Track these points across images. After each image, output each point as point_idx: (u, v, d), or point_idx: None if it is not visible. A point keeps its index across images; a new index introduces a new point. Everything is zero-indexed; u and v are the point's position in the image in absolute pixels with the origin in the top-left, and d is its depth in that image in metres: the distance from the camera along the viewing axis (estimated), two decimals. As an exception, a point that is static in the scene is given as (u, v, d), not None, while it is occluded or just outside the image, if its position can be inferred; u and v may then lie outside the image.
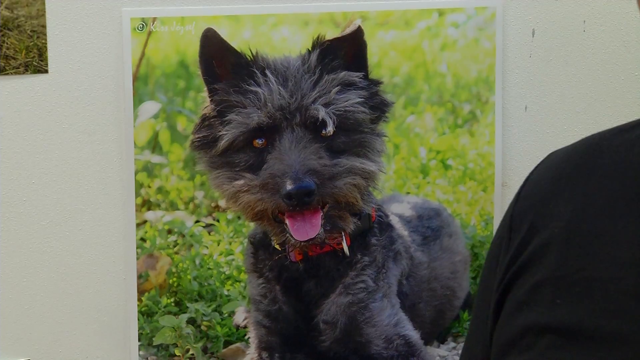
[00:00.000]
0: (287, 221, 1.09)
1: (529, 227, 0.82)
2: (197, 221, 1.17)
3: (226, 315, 1.18)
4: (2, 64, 1.09)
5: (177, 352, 1.17)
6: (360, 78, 1.12)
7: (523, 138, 1.23)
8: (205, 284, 1.18)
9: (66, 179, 1.12)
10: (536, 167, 0.86)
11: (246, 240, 1.18)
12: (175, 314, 1.16)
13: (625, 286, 0.74)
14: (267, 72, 1.09)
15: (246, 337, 1.19)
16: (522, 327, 0.79)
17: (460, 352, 1.14)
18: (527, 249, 0.82)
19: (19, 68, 1.10)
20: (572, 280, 0.77)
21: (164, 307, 1.16)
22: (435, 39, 1.20)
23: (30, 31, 1.09)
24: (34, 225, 1.11)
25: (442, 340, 1.26)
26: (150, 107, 1.14)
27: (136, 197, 1.13)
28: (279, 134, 1.08)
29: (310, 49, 1.11)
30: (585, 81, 1.23)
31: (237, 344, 1.19)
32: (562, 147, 0.87)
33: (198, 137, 1.11)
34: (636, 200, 0.76)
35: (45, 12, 1.09)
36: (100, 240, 1.13)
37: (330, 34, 1.12)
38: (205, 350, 1.17)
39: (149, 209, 1.15)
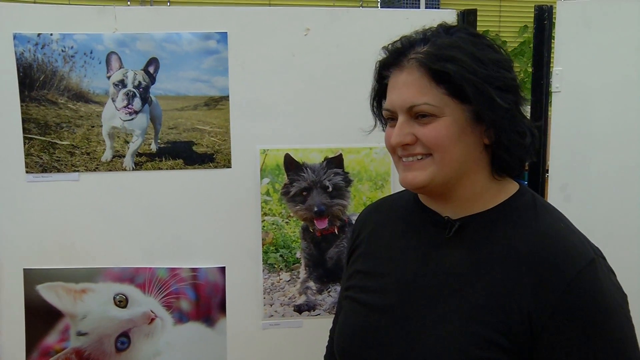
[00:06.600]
0: (315, 222, 2.20)
1: (359, 231, 1.34)
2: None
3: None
4: None
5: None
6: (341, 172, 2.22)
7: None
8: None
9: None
10: (363, 210, 1.36)
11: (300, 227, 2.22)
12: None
13: (383, 254, 1.20)
14: (306, 168, 2.17)
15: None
16: (353, 270, 1.26)
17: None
18: (357, 240, 1.31)
19: None
20: (368, 252, 1.25)
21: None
22: None
23: None
24: None
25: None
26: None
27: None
28: (311, 190, 2.16)
29: (323, 161, 2.18)
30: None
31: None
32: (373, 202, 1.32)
33: (283, 191, 2.19)
34: (392, 225, 1.22)
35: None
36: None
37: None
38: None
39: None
